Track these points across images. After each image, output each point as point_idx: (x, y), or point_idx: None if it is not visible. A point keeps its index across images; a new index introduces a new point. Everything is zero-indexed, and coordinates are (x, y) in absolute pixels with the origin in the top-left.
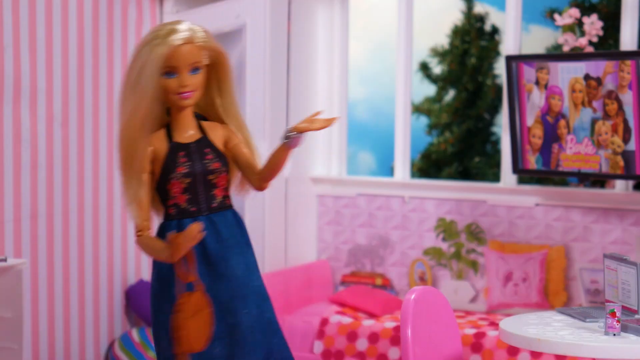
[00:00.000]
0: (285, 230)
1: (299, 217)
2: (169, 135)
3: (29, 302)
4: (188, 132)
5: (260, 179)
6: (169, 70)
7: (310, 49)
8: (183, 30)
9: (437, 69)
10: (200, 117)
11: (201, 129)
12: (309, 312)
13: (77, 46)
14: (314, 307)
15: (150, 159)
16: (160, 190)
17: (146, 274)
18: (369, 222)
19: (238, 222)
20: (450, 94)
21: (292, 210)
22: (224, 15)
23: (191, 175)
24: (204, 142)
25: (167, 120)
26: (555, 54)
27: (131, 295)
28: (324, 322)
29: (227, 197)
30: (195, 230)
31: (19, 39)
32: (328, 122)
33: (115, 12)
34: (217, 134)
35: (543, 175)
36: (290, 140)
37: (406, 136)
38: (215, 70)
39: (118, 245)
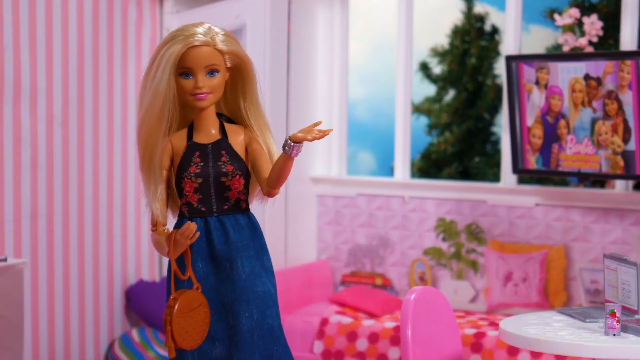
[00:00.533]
0: (285, 230)
1: (299, 217)
2: (190, 135)
3: (29, 302)
4: (208, 133)
5: (267, 185)
6: (185, 70)
7: (310, 49)
8: (202, 32)
9: (437, 69)
10: (228, 119)
11: (223, 131)
12: (309, 312)
13: (77, 46)
14: (314, 307)
15: (169, 156)
16: (177, 187)
17: (146, 274)
18: (369, 222)
19: (252, 227)
20: (450, 94)
21: (292, 210)
22: (224, 15)
23: (203, 175)
24: (222, 144)
25: (191, 120)
26: (555, 54)
27: (131, 295)
28: (324, 322)
29: (242, 200)
30: (190, 229)
31: (19, 39)
32: (324, 133)
33: (115, 12)
34: (238, 138)
35: (543, 175)
36: (288, 149)
37: (406, 136)
38: (240, 75)
39: (118, 245)
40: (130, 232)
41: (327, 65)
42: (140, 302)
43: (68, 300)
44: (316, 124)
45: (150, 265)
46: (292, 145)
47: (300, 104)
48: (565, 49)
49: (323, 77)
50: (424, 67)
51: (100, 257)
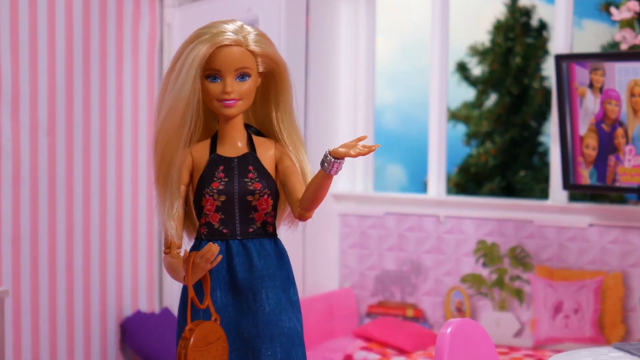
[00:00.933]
0: (304, 254)
1: (319, 239)
2: (214, 147)
3: (10, 335)
4: (234, 146)
5: (300, 207)
6: (212, 73)
7: (331, 48)
8: (232, 30)
9: (476, 69)
10: (256, 132)
11: (251, 144)
12: (330, 347)
13: (66, 45)
14: (336, 341)
15: (189, 170)
16: (196, 205)
17: (144, 305)
18: (399, 245)
19: (279, 254)
20: (492, 99)
21: (312, 232)
22: (233, 8)
23: (226, 193)
24: (249, 158)
25: (215, 130)
26: (612, 53)
27: (127, 329)
28: (348, 358)
29: (269, 223)
30: (212, 251)
31: None
32: (370, 149)
33: (109, 6)
34: (267, 152)
35: (598, 191)
36: (327, 165)
37: (441, 147)
38: (274, 81)
39: (112, 271)
40: (126, 257)
41: (351, 66)
42: (137, 337)
43: (55, 334)
44: (360, 139)
45: (148, 294)
46: (332, 161)
47: (320, 110)
48: (623, 47)
49: (346, 80)
50: (462, 68)
51: (92, 285)
